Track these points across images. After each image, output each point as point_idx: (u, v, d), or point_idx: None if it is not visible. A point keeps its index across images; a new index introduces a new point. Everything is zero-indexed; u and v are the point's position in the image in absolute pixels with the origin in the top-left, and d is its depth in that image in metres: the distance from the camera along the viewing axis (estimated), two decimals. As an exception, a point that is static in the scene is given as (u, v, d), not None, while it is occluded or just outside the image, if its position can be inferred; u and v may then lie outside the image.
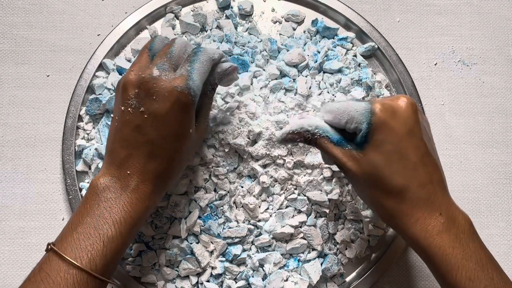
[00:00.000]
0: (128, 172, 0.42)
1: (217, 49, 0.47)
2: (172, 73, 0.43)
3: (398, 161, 0.39)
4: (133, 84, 0.42)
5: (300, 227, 0.52)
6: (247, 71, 0.55)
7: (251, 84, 0.54)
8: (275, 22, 0.59)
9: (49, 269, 0.39)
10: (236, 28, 0.58)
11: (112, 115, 0.46)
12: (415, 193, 0.39)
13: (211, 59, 0.45)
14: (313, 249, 0.53)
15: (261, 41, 0.57)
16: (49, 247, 0.40)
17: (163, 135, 0.42)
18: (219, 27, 0.57)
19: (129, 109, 0.42)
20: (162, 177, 0.44)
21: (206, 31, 0.58)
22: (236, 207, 0.53)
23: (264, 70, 0.55)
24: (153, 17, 0.58)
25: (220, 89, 0.53)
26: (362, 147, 0.41)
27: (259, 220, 0.52)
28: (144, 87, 0.42)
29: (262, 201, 0.52)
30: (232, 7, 0.59)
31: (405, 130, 0.39)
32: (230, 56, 0.55)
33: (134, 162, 0.43)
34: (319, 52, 0.57)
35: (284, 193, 0.52)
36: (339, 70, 0.56)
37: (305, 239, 0.52)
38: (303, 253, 0.53)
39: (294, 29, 0.59)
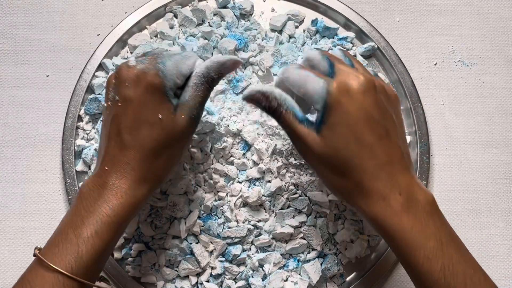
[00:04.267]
0: (106, 168, 0.42)
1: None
2: (146, 63, 0.42)
3: (354, 143, 0.39)
4: (112, 77, 0.43)
5: (300, 227, 0.52)
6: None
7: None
8: (275, 22, 0.59)
9: (30, 275, 0.39)
10: (238, 20, 0.58)
11: None
12: (372, 174, 0.39)
13: (195, 57, 0.44)
14: (313, 249, 0.53)
15: (259, 32, 0.57)
16: (35, 252, 0.40)
17: (134, 121, 0.41)
18: (220, 15, 0.58)
19: (109, 103, 0.43)
20: (139, 168, 0.41)
21: (204, 23, 0.58)
22: (236, 208, 0.53)
23: (255, 56, 0.56)
24: (153, 17, 0.58)
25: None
26: (319, 128, 0.40)
27: (259, 221, 0.52)
28: (119, 76, 0.42)
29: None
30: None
31: (361, 113, 0.39)
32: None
33: (109, 155, 0.42)
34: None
35: (287, 193, 0.52)
36: None
37: (304, 239, 0.52)
38: (303, 253, 0.53)
39: (297, 27, 0.59)
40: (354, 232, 0.53)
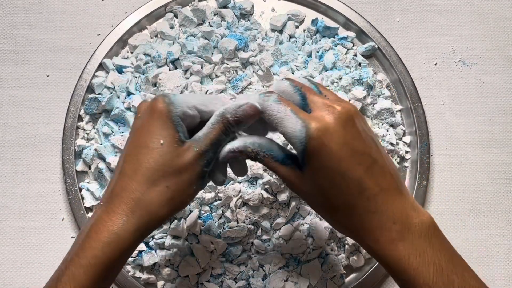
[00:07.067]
0: (101, 202, 0.39)
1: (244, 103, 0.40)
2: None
3: (341, 181, 0.37)
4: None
5: (303, 225, 0.52)
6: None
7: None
8: (275, 22, 0.59)
9: None
10: (238, 20, 0.58)
11: None
12: (363, 208, 0.38)
13: (219, 100, 0.41)
14: (314, 249, 0.52)
15: (259, 32, 0.57)
16: None
17: (134, 147, 0.39)
18: (221, 15, 0.58)
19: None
20: (128, 199, 0.37)
21: (204, 23, 0.58)
22: (236, 208, 0.53)
23: (256, 57, 0.56)
24: (153, 17, 0.59)
25: None
26: (303, 168, 0.39)
27: (260, 217, 0.52)
28: (137, 111, 0.41)
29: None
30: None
31: (343, 149, 0.37)
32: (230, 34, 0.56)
33: (108, 188, 0.39)
34: (318, 52, 0.57)
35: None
36: (335, 65, 0.56)
37: (305, 238, 0.52)
38: (303, 253, 0.53)
39: (297, 27, 0.59)
40: None
